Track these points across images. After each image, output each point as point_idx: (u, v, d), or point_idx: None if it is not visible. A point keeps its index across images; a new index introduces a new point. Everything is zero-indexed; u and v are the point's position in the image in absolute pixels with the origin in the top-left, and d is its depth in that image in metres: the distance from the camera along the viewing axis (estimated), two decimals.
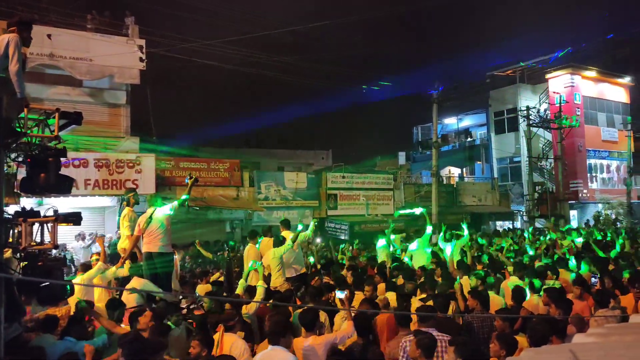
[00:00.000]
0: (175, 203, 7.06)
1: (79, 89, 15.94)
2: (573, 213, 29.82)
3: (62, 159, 5.07)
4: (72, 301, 6.48)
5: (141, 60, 16.29)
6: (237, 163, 19.05)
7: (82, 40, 15.22)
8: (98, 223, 16.36)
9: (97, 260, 7.21)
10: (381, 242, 10.82)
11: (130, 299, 6.58)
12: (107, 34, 16.14)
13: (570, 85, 29.42)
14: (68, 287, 5.09)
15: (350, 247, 14.10)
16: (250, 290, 6.44)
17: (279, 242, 8.19)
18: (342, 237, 18.89)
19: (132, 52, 16.10)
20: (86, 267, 7.29)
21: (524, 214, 28.38)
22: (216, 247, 14.69)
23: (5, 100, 4.97)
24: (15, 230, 5.15)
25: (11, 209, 5.43)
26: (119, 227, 9.96)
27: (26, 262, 5.03)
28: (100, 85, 16.51)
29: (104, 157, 14.84)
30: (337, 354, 4.00)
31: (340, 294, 5.36)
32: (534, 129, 28.05)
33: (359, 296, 6.31)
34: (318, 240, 15.54)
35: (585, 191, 29.60)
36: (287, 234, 8.65)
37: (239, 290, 6.59)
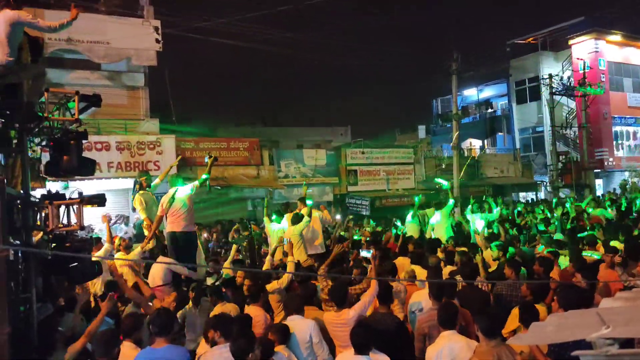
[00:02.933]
0: (197, 182, 7.11)
1: (97, 72, 16.07)
2: (599, 182, 29.29)
3: (84, 142, 5.14)
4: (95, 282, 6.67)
5: (157, 41, 16.31)
6: (256, 142, 19.10)
7: (99, 23, 15.27)
8: (122, 205, 16.63)
9: (122, 239, 7.35)
10: (409, 217, 10.84)
11: (156, 278, 6.72)
12: (123, 16, 16.16)
13: (595, 51, 28.58)
14: (96, 266, 5.19)
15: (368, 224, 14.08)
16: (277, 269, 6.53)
17: (297, 218, 8.22)
18: (364, 213, 18.91)
19: (148, 33, 16.12)
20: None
21: (548, 184, 27.98)
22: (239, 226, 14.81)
23: (26, 85, 5.04)
24: (43, 213, 5.28)
25: (37, 193, 5.55)
26: (133, 209, 10.12)
27: (55, 244, 5.16)
28: (119, 68, 16.61)
29: (125, 139, 15.01)
30: (362, 325, 4.03)
31: (366, 253, 5.34)
32: (557, 98, 27.43)
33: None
34: (338, 217, 15.58)
35: (611, 159, 29.00)
36: (304, 211, 8.69)
37: (266, 266, 6.67)
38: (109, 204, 16.01)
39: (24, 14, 4.65)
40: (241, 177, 18.23)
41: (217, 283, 6.70)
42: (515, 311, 4.61)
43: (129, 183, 15.93)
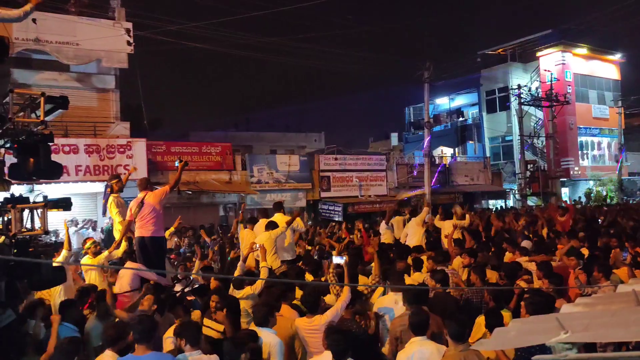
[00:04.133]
0: (167, 187, 7.02)
1: (66, 74, 15.74)
2: (565, 190, 30.04)
3: (51, 144, 5.03)
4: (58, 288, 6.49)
5: (129, 43, 16.08)
6: (229, 146, 18.98)
7: (68, 24, 14.98)
8: (90, 209, 16.31)
9: (93, 244, 7.18)
10: (383, 225, 10.93)
11: (123, 284, 6.60)
12: (93, 18, 15.89)
13: (562, 63, 29.39)
14: (60, 273, 5.06)
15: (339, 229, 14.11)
16: (250, 274, 6.47)
17: (272, 225, 8.18)
18: (336, 219, 18.95)
19: (120, 35, 15.88)
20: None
21: (516, 192, 28.57)
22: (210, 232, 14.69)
23: None
24: (5, 217, 5.13)
25: (0, 196, 5.39)
26: (104, 213, 9.92)
27: (17, 249, 5.02)
28: (88, 70, 16.32)
29: (94, 142, 14.72)
30: (339, 332, 4.03)
31: (339, 259, 5.35)
32: (525, 108, 28.08)
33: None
34: (309, 223, 15.58)
35: (576, 168, 29.79)
36: (280, 217, 8.65)
37: (237, 272, 6.60)
38: (76, 208, 15.72)
39: None
40: (213, 182, 18.07)
41: (186, 290, 6.63)
42: (479, 319, 4.69)
43: (97, 187, 15.66)
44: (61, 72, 15.64)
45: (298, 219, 8.42)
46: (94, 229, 15.18)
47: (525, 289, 5.44)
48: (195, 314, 5.37)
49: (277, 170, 19.98)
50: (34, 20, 13.89)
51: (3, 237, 5.18)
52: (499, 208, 23.69)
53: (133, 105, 17.78)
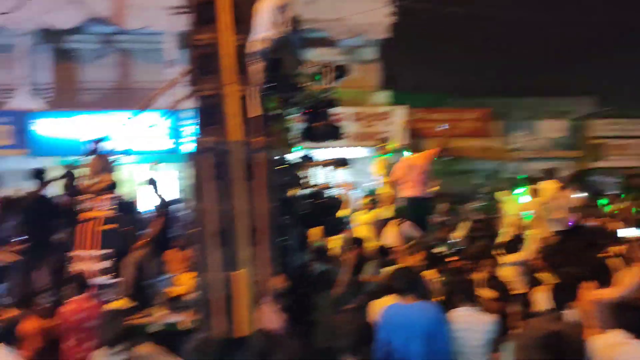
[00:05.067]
0: (435, 150, 7.20)
1: (335, 49, 17.23)
2: None
3: (333, 109, 5.65)
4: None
5: (390, 14, 16.73)
6: (487, 112, 18.31)
7: (338, 2, 16.31)
8: (353, 174, 17.72)
9: (371, 201, 7.86)
10: None
11: (389, 241, 7.06)
12: None
13: None
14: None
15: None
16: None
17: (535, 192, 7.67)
18: (612, 192, 16.71)
19: (381, 7, 16.62)
20: None
21: None
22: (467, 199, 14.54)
23: (285, 59, 5.67)
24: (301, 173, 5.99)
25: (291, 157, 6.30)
26: (376, 176, 10.63)
27: (310, 200, 5.82)
28: (354, 44, 17.55)
29: (357, 111, 15.87)
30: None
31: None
32: None
33: None
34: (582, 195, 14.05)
35: None
36: (549, 185, 8.05)
37: (505, 238, 6.46)
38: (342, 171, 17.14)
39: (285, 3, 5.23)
40: (470, 149, 17.76)
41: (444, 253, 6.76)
42: None
43: (359, 152, 16.91)
44: (331, 48, 17.16)
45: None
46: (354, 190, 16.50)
47: None
48: None
49: (539, 137, 18.53)
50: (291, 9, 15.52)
51: (297, 189, 6.06)
52: None
53: (393, 74, 18.53)
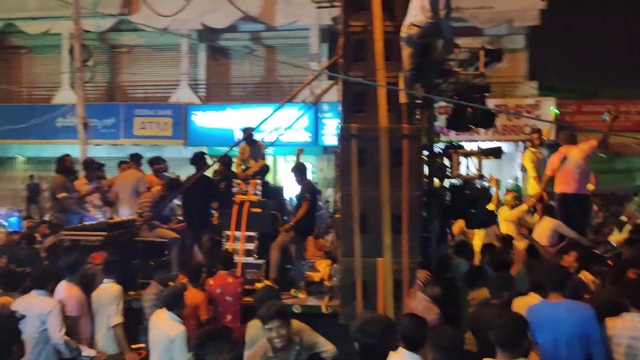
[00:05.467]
0: (593, 142, 6.54)
1: (479, 38, 16.43)
2: None
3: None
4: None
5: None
6: None
7: None
8: (494, 168, 16.83)
9: (513, 197, 7.43)
10: None
11: (541, 239, 6.56)
12: None
13: None
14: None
15: None
16: None
17: None
18: None
19: None
20: None
21: None
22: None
23: (437, 44, 5.52)
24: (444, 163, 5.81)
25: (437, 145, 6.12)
26: (522, 169, 9.96)
27: (452, 191, 5.62)
28: (499, 32, 16.61)
29: (502, 103, 15.03)
30: None
31: None
32: None
33: None
34: None
35: None
36: None
37: None
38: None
39: None
40: (630, 145, 15.91)
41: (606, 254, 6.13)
42: None
43: (504, 147, 16.00)
44: (475, 37, 16.40)
45: None
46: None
47: None
48: None
49: None
50: None
51: (441, 183, 5.89)
52: None
53: (542, 64, 17.22)
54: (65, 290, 5.08)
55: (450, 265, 5.94)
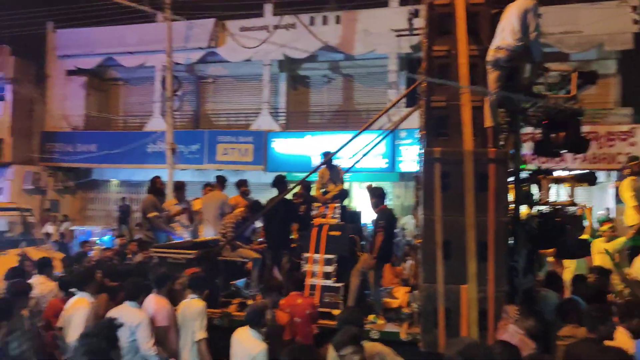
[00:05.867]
0: None
1: (566, 63, 15.79)
2: None
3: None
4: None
5: (635, 22, 14.71)
6: None
7: (571, 12, 14.99)
8: (584, 198, 15.91)
9: (610, 228, 6.99)
10: None
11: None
12: (595, 1, 15.30)
13: None
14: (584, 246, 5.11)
15: None
16: None
17: None
18: None
19: (624, 14, 14.73)
20: None
21: None
22: None
23: (523, 68, 5.38)
24: (531, 189, 5.58)
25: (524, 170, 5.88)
26: (619, 200, 9.34)
27: (541, 219, 5.36)
28: (588, 57, 15.88)
29: (592, 130, 14.26)
30: None
31: None
32: None
33: None
34: None
35: None
36: None
37: None
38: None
39: (533, 2, 4.95)
40: None
41: None
42: None
43: (599, 176, 15.10)
44: (561, 62, 15.78)
45: None
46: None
47: None
48: None
49: None
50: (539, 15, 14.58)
51: (528, 210, 5.63)
52: None
53: (636, 89, 16.20)
54: (155, 302, 5.33)
55: (538, 298, 5.63)
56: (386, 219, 6.73)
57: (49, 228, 16.37)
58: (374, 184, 8.67)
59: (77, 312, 5.17)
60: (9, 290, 4.96)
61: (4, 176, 19.14)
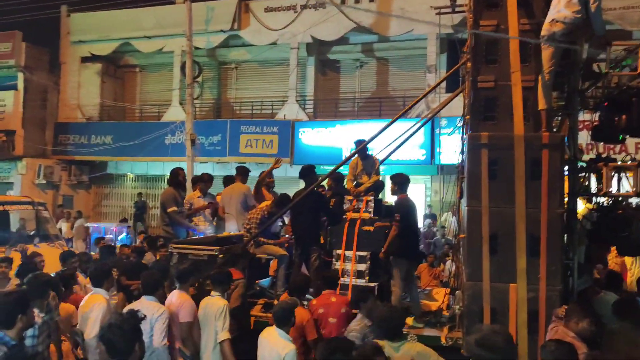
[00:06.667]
0: None
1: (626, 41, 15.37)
2: None
3: None
4: None
5: None
6: None
7: None
8: None
9: None
10: None
11: None
12: None
13: None
14: None
15: None
16: None
17: None
18: None
19: None
20: None
21: None
22: None
23: (584, 43, 5.25)
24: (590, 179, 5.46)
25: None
26: None
27: (603, 212, 5.25)
28: None
29: None
30: None
31: None
32: None
33: None
34: None
35: None
36: None
37: None
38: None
39: None
40: None
41: None
42: None
43: None
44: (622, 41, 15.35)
45: None
46: None
47: None
48: None
49: None
50: None
51: (586, 205, 5.51)
52: None
53: None
54: (178, 297, 5.45)
55: (596, 300, 5.52)
56: (404, 211, 6.68)
57: (63, 225, 16.81)
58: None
59: (94, 308, 5.31)
60: (27, 283, 5.11)
61: (15, 170, 19.70)
